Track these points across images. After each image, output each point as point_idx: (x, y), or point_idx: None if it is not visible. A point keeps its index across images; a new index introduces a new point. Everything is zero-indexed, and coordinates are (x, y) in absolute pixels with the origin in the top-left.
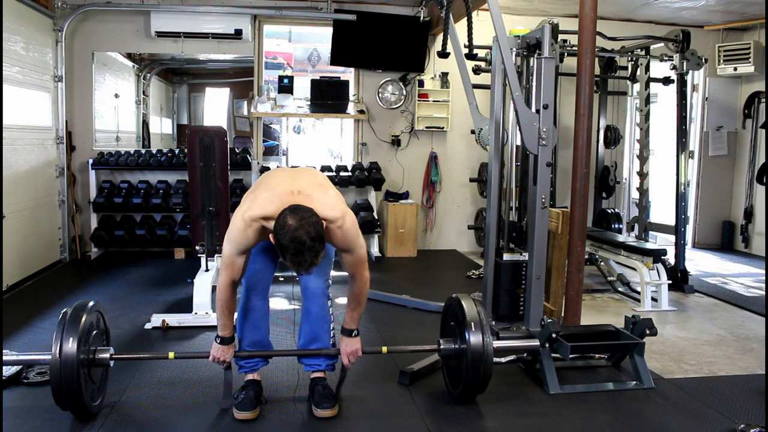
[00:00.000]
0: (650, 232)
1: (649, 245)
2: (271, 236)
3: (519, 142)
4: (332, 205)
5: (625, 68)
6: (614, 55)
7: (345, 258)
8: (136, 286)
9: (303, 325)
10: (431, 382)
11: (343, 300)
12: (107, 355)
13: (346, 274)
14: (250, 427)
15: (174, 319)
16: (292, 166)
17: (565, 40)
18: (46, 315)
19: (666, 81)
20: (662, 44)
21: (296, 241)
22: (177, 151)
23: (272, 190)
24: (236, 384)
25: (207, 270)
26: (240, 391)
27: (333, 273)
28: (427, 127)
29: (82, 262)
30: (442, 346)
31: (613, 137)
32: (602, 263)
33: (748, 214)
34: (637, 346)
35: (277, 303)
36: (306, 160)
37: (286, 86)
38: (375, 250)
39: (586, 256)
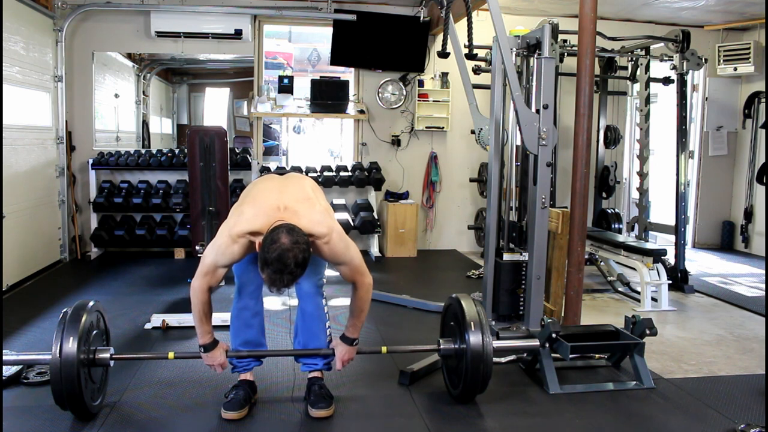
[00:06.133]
0: (650, 232)
1: (649, 245)
2: (257, 244)
3: (519, 142)
4: (319, 221)
5: (625, 68)
6: (614, 55)
7: (340, 269)
8: (136, 286)
9: (298, 324)
10: (431, 382)
11: (339, 301)
12: (107, 355)
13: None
14: (249, 428)
15: (174, 319)
16: (281, 170)
17: (565, 40)
18: (46, 315)
19: (666, 81)
20: (662, 44)
21: (281, 261)
22: (177, 151)
23: (258, 206)
24: (229, 383)
25: None
26: (231, 391)
27: (329, 272)
28: (427, 127)
29: (82, 262)
30: (441, 346)
31: (613, 137)
32: (602, 263)
33: (748, 214)
34: (637, 346)
35: (275, 302)
36: (306, 160)
37: (286, 86)
38: (375, 250)
39: (586, 256)
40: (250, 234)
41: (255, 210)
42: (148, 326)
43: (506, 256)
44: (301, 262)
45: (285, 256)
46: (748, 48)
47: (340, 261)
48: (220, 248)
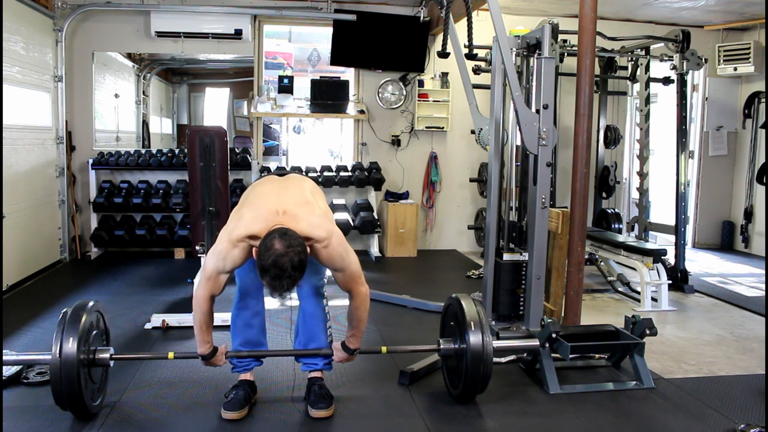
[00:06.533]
0: (650, 232)
1: (649, 245)
2: (254, 252)
3: (519, 142)
4: (318, 225)
5: (625, 68)
6: (614, 55)
7: (336, 276)
8: (136, 286)
9: (299, 324)
10: (431, 382)
11: (340, 301)
12: (107, 355)
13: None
14: (249, 428)
15: (174, 319)
16: (281, 170)
17: (565, 40)
18: (46, 315)
19: (666, 81)
20: (662, 44)
21: (278, 267)
22: (177, 151)
23: (257, 210)
24: (229, 383)
25: None
26: (231, 391)
27: (329, 273)
28: (427, 127)
29: (82, 262)
30: (441, 346)
31: (613, 137)
32: (602, 263)
33: (748, 214)
34: (637, 346)
35: (275, 302)
36: (306, 160)
37: (286, 86)
38: (375, 250)
39: (586, 256)
40: (249, 238)
41: (254, 214)
42: (148, 326)
43: (506, 256)
44: (297, 264)
45: (280, 262)
46: (748, 48)
47: (338, 267)
48: (221, 254)
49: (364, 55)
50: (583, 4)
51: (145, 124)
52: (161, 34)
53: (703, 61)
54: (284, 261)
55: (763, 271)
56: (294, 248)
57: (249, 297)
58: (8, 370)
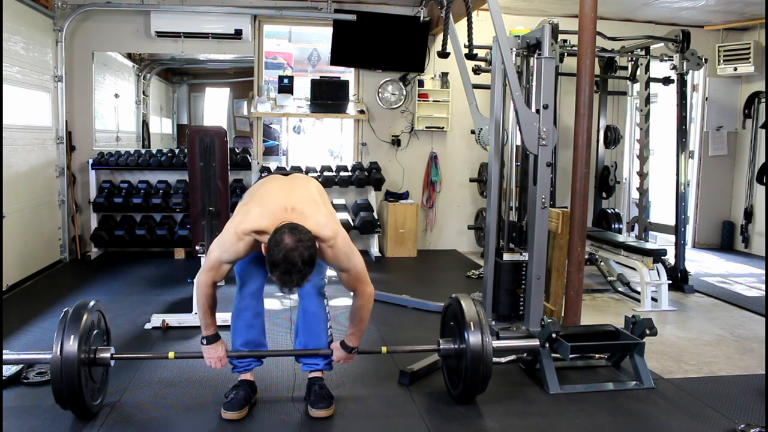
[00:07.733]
0: (650, 232)
1: (649, 245)
2: (263, 248)
3: (519, 142)
4: (325, 224)
5: (625, 68)
6: (614, 55)
7: (341, 276)
8: (136, 286)
9: (299, 324)
10: (431, 382)
11: (340, 301)
12: (108, 355)
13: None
14: (249, 427)
15: (174, 319)
16: (283, 171)
17: (565, 40)
18: (46, 315)
19: (666, 81)
20: (662, 44)
21: (288, 261)
22: (177, 151)
23: (266, 206)
24: (229, 383)
25: None
26: (231, 391)
27: (330, 272)
28: (427, 127)
29: (82, 262)
30: (441, 346)
31: (613, 137)
32: (602, 263)
33: (748, 214)
34: (637, 346)
35: (275, 302)
36: (306, 160)
37: (286, 86)
38: (375, 250)
39: (586, 256)
40: (256, 232)
41: (262, 209)
42: (148, 326)
43: (506, 256)
44: (307, 259)
45: (290, 256)
46: (748, 48)
47: (343, 267)
48: (225, 245)
49: (364, 55)
50: (583, 4)
51: (145, 124)
52: (161, 34)
53: (703, 61)
54: (294, 255)
55: (763, 271)
56: (304, 243)
57: (249, 298)
58: (8, 370)
